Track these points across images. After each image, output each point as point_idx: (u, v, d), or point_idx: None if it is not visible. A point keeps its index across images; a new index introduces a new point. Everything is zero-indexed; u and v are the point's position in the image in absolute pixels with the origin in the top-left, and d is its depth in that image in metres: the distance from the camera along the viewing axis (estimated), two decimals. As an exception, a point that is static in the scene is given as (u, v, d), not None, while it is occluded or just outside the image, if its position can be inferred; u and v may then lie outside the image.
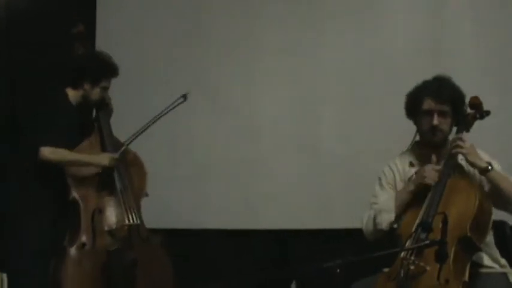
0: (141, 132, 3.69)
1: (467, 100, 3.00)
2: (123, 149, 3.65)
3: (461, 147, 2.84)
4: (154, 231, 3.81)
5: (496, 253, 2.91)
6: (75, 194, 3.54)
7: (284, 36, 4.72)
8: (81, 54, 3.75)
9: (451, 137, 3.00)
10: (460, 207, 2.72)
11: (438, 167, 2.83)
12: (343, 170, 4.56)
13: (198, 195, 4.76)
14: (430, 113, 2.91)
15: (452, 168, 2.89)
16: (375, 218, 2.97)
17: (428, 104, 2.92)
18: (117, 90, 3.98)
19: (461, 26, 4.55)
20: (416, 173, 2.96)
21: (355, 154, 4.49)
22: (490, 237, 2.89)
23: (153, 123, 3.69)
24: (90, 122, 3.82)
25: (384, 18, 4.65)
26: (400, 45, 4.59)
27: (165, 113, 3.70)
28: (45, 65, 4.53)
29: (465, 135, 2.95)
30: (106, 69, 3.69)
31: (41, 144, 3.48)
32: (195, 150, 4.83)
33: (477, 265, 2.78)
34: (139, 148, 4.53)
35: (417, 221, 2.72)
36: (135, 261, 3.46)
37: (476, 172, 2.91)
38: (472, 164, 2.84)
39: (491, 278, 2.76)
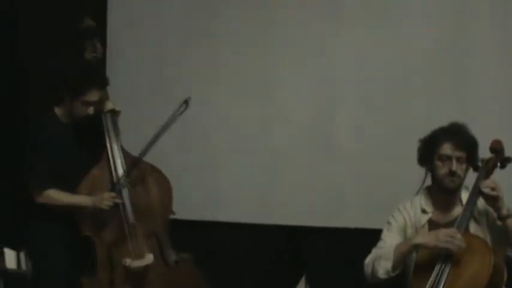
0: (150, 146, 3.49)
1: (488, 143, 2.99)
2: (121, 179, 3.46)
3: (496, 190, 2.83)
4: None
5: None
6: (86, 231, 3.44)
7: (302, 31, 4.59)
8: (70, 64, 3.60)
9: (469, 184, 2.97)
10: (473, 270, 2.70)
11: (455, 234, 2.76)
12: (357, 168, 4.49)
13: (210, 187, 4.72)
14: (448, 158, 2.91)
15: (470, 218, 2.88)
16: (373, 264, 2.94)
17: (446, 149, 2.93)
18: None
19: (480, 25, 4.43)
20: (422, 234, 2.94)
21: (370, 152, 4.43)
22: None
23: (160, 134, 3.52)
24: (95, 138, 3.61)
25: (404, 15, 4.49)
26: (419, 42, 4.44)
27: (171, 123, 3.54)
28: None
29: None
30: (83, 80, 3.44)
31: (31, 181, 3.41)
32: (208, 141, 4.76)
33: None
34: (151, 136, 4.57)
35: None
36: None
37: (483, 221, 2.92)
38: (497, 209, 2.83)
39: None
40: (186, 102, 3.52)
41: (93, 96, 3.41)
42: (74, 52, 3.65)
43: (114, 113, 3.58)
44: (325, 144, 4.58)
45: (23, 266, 4.66)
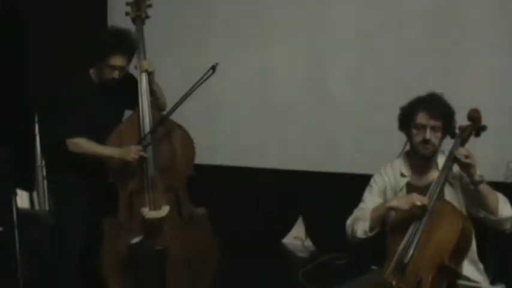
0: (176, 107, 3.64)
1: (467, 112, 3.06)
2: (147, 135, 3.62)
3: (470, 158, 2.92)
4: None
5: (475, 256, 3.05)
6: (112, 178, 3.62)
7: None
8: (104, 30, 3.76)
9: (446, 150, 3.07)
10: (442, 234, 2.83)
11: (425, 200, 2.88)
12: (352, 118, 4.64)
13: (211, 133, 4.92)
14: (423, 127, 3.01)
15: (445, 183, 2.99)
16: (352, 225, 3.10)
17: (421, 118, 3.02)
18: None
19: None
20: (397, 198, 3.06)
21: (364, 103, 4.56)
22: None
23: (186, 97, 3.62)
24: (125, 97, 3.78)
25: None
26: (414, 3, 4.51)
27: (197, 86, 3.63)
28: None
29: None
30: (109, 45, 3.56)
31: (60, 132, 3.59)
32: (210, 89, 4.86)
33: (457, 276, 2.90)
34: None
35: (399, 250, 2.85)
36: (159, 252, 3.53)
37: (457, 184, 3.05)
38: (470, 176, 2.94)
39: None
40: (213, 67, 3.63)
41: (117, 60, 3.54)
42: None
43: (149, 74, 3.73)
44: (321, 94, 4.72)
45: (36, 206, 4.94)
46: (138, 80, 3.72)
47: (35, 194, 5.06)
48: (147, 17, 3.87)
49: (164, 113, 3.76)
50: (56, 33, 4.90)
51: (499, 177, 4.27)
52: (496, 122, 4.23)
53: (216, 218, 4.84)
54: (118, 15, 4.35)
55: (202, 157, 4.85)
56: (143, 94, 3.70)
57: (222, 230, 4.90)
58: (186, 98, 3.63)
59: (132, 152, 3.56)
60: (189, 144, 3.78)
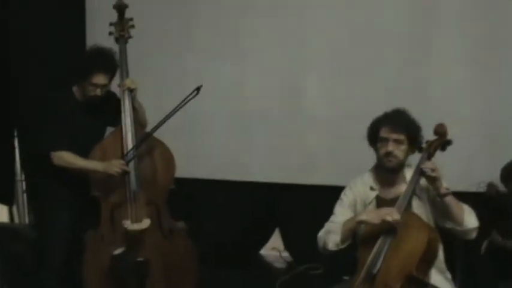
0: (159, 126, 3.74)
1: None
2: (130, 151, 3.71)
3: (436, 171, 3.04)
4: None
5: (442, 265, 3.16)
6: (94, 191, 3.72)
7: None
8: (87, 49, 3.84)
9: (413, 164, 3.19)
10: (409, 245, 2.94)
11: (393, 212, 2.97)
12: (327, 130, 4.73)
13: (190, 146, 4.96)
14: (386, 140, 3.13)
15: (412, 195, 3.11)
16: (324, 237, 3.21)
17: (384, 132, 3.15)
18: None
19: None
20: (366, 212, 3.16)
21: (340, 116, 4.65)
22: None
23: (169, 117, 3.73)
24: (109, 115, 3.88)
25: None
26: (391, 13, 4.62)
27: (181, 107, 3.74)
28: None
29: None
30: (93, 65, 3.66)
31: (44, 145, 3.68)
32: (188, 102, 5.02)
33: (425, 285, 2.99)
34: None
35: (368, 261, 2.96)
36: (140, 264, 3.61)
37: (425, 197, 3.17)
38: (436, 188, 3.06)
39: None
40: (198, 89, 3.73)
41: (100, 79, 3.65)
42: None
43: (131, 90, 3.82)
44: (296, 107, 4.82)
45: (16, 219, 4.98)
46: (121, 97, 3.81)
47: (14, 207, 5.10)
48: (130, 37, 3.98)
49: (146, 130, 3.87)
50: (35, 48, 4.97)
51: (473, 188, 4.39)
52: (469, 132, 4.40)
53: (196, 229, 4.94)
54: (98, 33, 4.45)
55: (180, 170, 4.99)
56: (126, 111, 3.79)
57: (202, 241, 4.97)
58: (169, 118, 3.75)
59: (115, 166, 3.64)
60: (170, 159, 3.90)
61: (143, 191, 3.76)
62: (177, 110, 3.73)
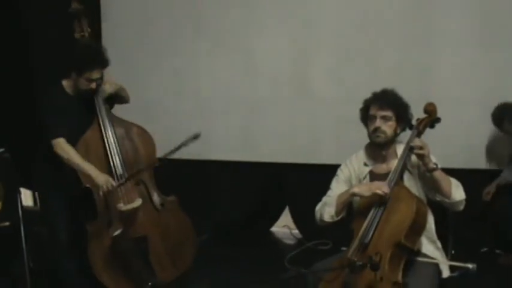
0: (151, 166, 3.90)
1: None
2: (121, 182, 3.84)
3: (423, 149, 3.19)
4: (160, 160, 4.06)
5: (433, 235, 3.34)
6: (86, 183, 3.85)
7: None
8: (77, 45, 3.92)
9: (404, 140, 3.34)
10: (399, 215, 3.13)
11: (385, 188, 3.16)
12: (332, 111, 4.93)
13: (201, 128, 5.13)
14: (374, 117, 3.31)
15: (402, 171, 3.28)
16: (320, 210, 3.41)
17: (373, 109, 3.33)
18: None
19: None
20: (358, 185, 3.35)
21: (346, 98, 4.80)
22: (430, 222, 3.30)
23: (167, 157, 3.79)
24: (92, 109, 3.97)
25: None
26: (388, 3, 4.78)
27: (178, 150, 3.79)
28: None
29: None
30: (88, 61, 3.73)
31: (46, 132, 3.81)
32: (199, 86, 5.25)
33: (415, 253, 3.19)
34: (149, 85, 5.13)
35: (361, 231, 3.16)
36: (139, 240, 3.83)
37: (415, 172, 3.33)
38: (425, 164, 3.21)
39: (423, 266, 3.17)
40: (196, 136, 3.87)
41: (96, 74, 3.77)
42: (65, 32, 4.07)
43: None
44: (303, 90, 5.03)
45: (38, 204, 5.20)
46: (96, 97, 3.91)
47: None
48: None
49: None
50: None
51: (470, 165, 4.56)
52: (468, 112, 4.55)
53: (209, 208, 5.17)
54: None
55: (193, 152, 5.21)
56: (101, 110, 3.93)
57: (216, 219, 5.23)
58: (164, 160, 3.85)
59: (105, 183, 3.76)
60: (148, 139, 4.04)
61: (129, 173, 3.92)
62: (172, 154, 3.80)
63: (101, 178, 3.76)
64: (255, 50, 5.08)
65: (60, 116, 3.79)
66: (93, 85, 3.80)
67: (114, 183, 3.79)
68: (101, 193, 3.76)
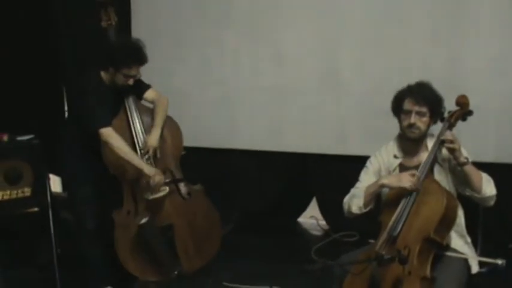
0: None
1: (455, 98, 3.29)
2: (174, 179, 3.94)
3: (454, 142, 3.14)
4: (187, 149, 4.16)
5: (463, 230, 3.30)
6: (113, 171, 3.90)
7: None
8: (114, 40, 3.97)
9: (435, 133, 3.30)
10: (429, 209, 3.09)
11: (416, 176, 3.13)
12: (360, 102, 4.87)
13: (228, 119, 5.25)
14: (409, 112, 3.25)
15: (433, 164, 3.23)
16: (349, 201, 3.38)
17: (407, 104, 3.26)
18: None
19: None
20: (387, 176, 3.32)
21: (373, 89, 4.77)
22: (459, 216, 3.25)
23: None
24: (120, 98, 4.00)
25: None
26: None
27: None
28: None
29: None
30: (126, 58, 3.75)
31: (92, 121, 3.78)
32: (226, 76, 5.24)
33: (444, 248, 3.15)
34: (176, 74, 5.14)
35: (390, 224, 3.13)
36: (166, 229, 3.87)
37: (446, 165, 3.29)
38: (456, 158, 3.17)
39: (452, 261, 3.15)
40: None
41: (134, 71, 3.79)
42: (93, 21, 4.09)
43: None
44: (331, 81, 4.96)
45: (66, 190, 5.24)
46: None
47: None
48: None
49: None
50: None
51: (500, 159, 4.49)
52: (497, 105, 4.48)
53: (235, 197, 5.17)
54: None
55: (220, 141, 5.23)
56: (129, 100, 3.97)
57: (242, 209, 5.23)
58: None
59: (159, 179, 3.82)
60: (176, 129, 4.08)
61: (156, 162, 3.94)
62: None
63: (154, 173, 3.79)
64: (282, 40, 5.02)
65: (105, 106, 3.82)
66: (130, 81, 3.83)
67: (162, 182, 3.85)
68: (152, 183, 3.78)
